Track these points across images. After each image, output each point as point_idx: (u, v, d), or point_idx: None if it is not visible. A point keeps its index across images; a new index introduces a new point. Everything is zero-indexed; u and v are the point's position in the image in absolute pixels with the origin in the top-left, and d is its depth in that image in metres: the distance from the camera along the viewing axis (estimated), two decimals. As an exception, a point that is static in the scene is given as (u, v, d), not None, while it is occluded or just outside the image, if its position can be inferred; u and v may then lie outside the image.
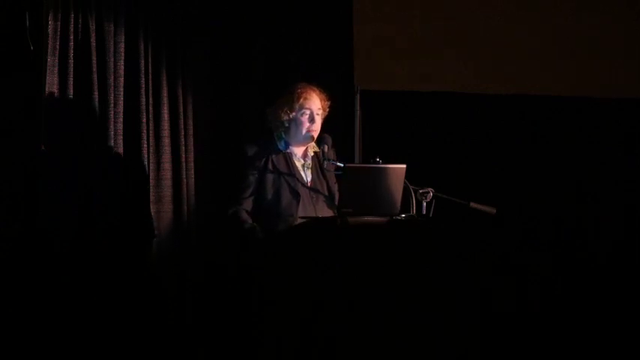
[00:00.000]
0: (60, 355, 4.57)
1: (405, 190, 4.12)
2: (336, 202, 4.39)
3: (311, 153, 4.47)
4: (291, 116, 4.37)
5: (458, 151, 5.51)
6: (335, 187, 4.47)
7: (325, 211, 4.38)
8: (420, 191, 4.22)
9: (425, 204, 4.23)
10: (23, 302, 4.53)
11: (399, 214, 4.07)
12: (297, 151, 4.46)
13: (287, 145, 4.42)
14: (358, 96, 5.27)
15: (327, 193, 4.44)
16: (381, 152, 4.17)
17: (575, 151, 5.65)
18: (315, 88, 4.43)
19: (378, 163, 4.10)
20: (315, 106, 4.38)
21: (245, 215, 4.30)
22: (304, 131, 4.38)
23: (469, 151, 5.52)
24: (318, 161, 4.47)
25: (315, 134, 4.41)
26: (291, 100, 4.37)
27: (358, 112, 5.23)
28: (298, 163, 4.43)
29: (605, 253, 5.66)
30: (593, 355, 5.37)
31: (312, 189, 4.40)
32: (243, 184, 4.33)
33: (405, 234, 4.05)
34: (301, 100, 4.36)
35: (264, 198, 4.32)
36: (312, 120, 4.37)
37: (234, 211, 4.31)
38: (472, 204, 4.40)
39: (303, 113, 4.37)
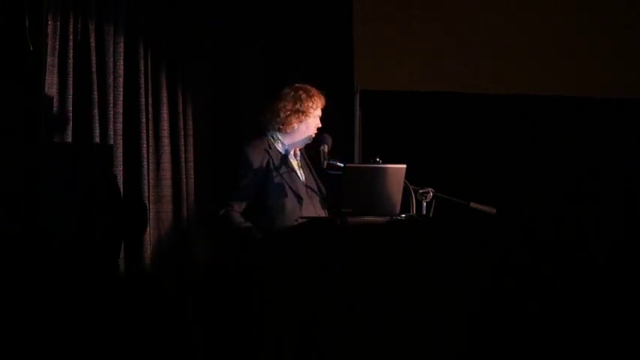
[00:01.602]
0: (60, 355, 4.56)
1: (405, 190, 4.12)
2: (326, 199, 4.41)
3: (298, 151, 4.48)
4: (302, 119, 4.37)
5: (458, 151, 5.51)
6: (320, 183, 4.48)
7: (320, 210, 4.39)
8: (420, 191, 4.22)
9: (425, 204, 4.23)
10: (23, 302, 4.52)
11: (399, 214, 4.07)
12: (291, 151, 4.46)
13: (283, 145, 4.42)
14: (358, 96, 5.27)
15: (319, 191, 4.44)
16: (381, 152, 4.17)
17: (575, 151, 5.65)
18: (319, 90, 4.44)
19: (378, 163, 4.10)
20: (321, 110, 4.41)
21: (237, 216, 4.28)
22: (311, 134, 4.39)
23: (469, 151, 5.52)
24: (304, 159, 4.48)
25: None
26: (305, 104, 4.36)
27: (358, 112, 5.24)
28: (294, 163, 4.44)
29: (605, 253, 5.66)
30: (593, 355, 5.36)
31: (309, 187, 4.41)
32: (242, 185, 4.31)
33: (405, 234, 4.05)
34: (317, 105, 4.38)
35: (268, 199, 4.30)
36: (319, 123, 4.40)
37: (226, 212, 4.28)
38: (472, 204, 4.39)
39: (316, 117, 4.39)
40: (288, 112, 4.37)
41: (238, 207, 4.29)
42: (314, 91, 4.41)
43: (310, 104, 4.37)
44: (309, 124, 4.39)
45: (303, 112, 4.37)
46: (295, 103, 4.37)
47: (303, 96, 4.38)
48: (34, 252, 4.55)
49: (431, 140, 5.49)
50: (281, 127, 4.39)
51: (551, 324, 5.46)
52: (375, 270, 3.93)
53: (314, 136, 4.40)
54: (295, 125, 4.38)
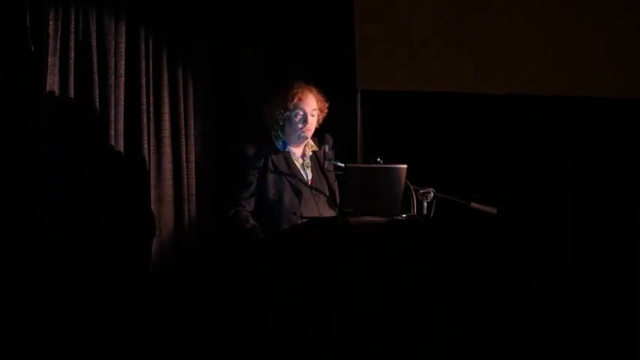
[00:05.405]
0: (60, 356, 4.56)
1: (406, 190, 4.13)
2: (337, 200, 4.41)
3: (309, 152, 4.48)
4: (285, 115, 4.39)
5: (458, 151, 5.51)
6: (335, 185, 4.48)
7: (327, 210, 4.40)
8: (421, 191, 4.23)
9: (426, 204, 4.23)
10: (23, 302, 4.52)
11: (399, 214, 4.07)
12: (296, 150, 4.47)
13: (285, 144, 4.44)
14: (359, 96, 5.28)
15: (327, 192, 4.44)
16: (382, 152, 4.18)
17: (574, 151, 5.65)
18: (313, 88, 4.44)
19: (378, 163, 4.11)
20: (309, 107, 4.40)
21: (246, 215, 4.31)
22: (297, 131, 4.39)
23: (469, 151, 5.53)
24: (317, 160, 4.48)
25: (309, 134, 4.42)
26: (286, 99, 4.39)
27: (359, 112, 5.24)
28: (297, 163, 4.45)
29: (605, 252, 5.66)
30: (593, 355, 5.36)
31: (314, 188, 4.41)
32: (244, 185, 4.34)
33: (405, 234, 4.06)
34: (295, 100, 4.38)
35: (267, 198, 4.34)
36: (304, 121, 4.39)
37: (235, 212, 4.31)
38: (472, 204, 4.40)
39: (297, 114, 4.39)
40: (267, 107, 4.42)
41: (248, 205, 4.32)
42: (298, 87, 4.42)
43: (288, 98, 4.37)
44: (291, 120, 4.39)
45: (276, 107, 4.39)
46: (279, 98, 4.40)
47: (284, 91, 4.41)
48: (34, 252, 4.54)
49: (431, 140, 5.49)
50: (267, 123, 4.43)
51: (551, 324, 5.46)
52: (375, 270, 3.93)
53: (303, 133, 4.39)
54: (279, 121, 4.40)
